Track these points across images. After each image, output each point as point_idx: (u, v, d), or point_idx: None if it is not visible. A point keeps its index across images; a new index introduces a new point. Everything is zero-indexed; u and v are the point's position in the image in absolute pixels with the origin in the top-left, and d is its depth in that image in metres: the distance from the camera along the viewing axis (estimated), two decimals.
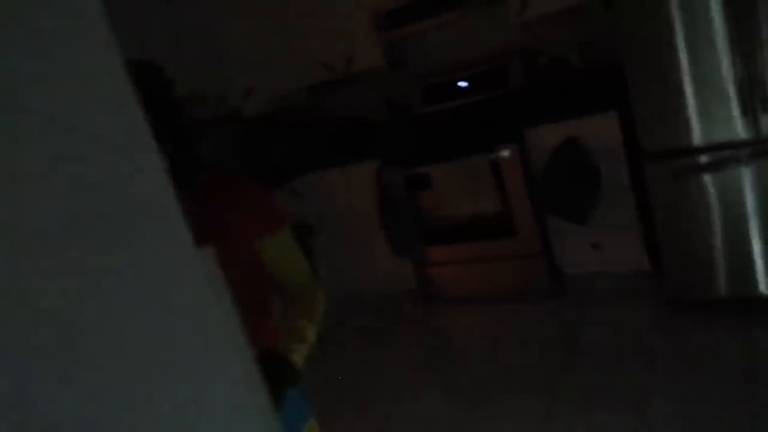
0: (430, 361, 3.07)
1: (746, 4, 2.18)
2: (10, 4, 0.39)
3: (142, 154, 0.49)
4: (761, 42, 2.20)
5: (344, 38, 3.50)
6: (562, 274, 3.21)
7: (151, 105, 1.14)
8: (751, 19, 2.19)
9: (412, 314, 3.56)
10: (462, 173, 3.23)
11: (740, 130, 2.33)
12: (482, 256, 3.36)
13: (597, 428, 2.19)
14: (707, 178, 2.45)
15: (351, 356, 3.28)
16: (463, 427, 2.44)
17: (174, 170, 1.21)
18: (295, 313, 1.27)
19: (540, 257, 3.18)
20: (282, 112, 4.11)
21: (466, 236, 3.37)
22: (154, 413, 0.47)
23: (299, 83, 3.79)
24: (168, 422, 0.48)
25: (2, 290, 0.37)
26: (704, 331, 2.53)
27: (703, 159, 2.43)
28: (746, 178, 2.38)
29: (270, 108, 3.96)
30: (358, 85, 3.89)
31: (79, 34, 0.45)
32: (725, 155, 2.38)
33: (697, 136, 2.41)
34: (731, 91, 2.29)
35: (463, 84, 3.54)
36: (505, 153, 3.03)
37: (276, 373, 1.08)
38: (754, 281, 2.49)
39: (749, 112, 2.29)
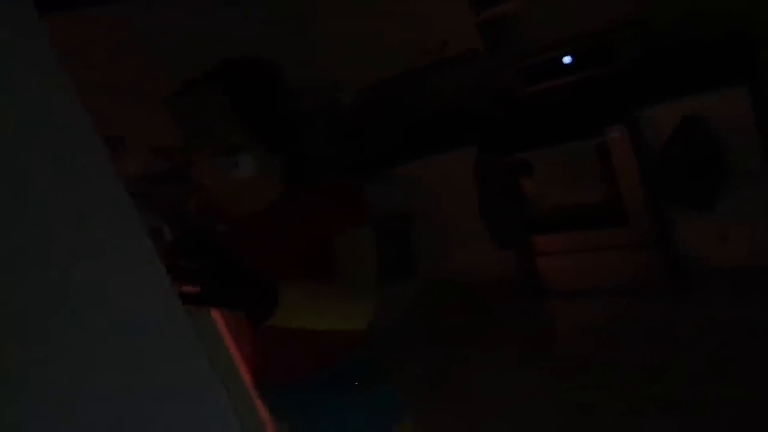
0: (530, 355, 2.93)
1: None
2: None
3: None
4: None
5: (439, 20, 3.37)
6: (681, 267, 2.93)
7: (266, 101, 1.17)
8: None
9: (512, 306, 3.42)
10: (567, 158, 3.03)
11: None
12: (589, 246, 3.15)
13: None
14: None
15: (447, 346, 3.21)
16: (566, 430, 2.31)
17: (286, 165, 1.24)
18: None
19: (655, 248, 2.92)
20: (377, 100, 4.07)
21: (571, 225, 3.17)
22: None
23: (394, 69, 3.72)
24: None
25: None
26: None
27: None
28: None
29: (366, 96, 3.93)
30: (454, 69, 3.75)
31: None
32: None
33: None
34: None
35: (567, 61, 3.30)
36: (615, 135, 2.79)
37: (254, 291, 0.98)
38: None
39: None
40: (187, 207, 1.32)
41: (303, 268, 1.14)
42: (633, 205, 2.89)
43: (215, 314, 1.29)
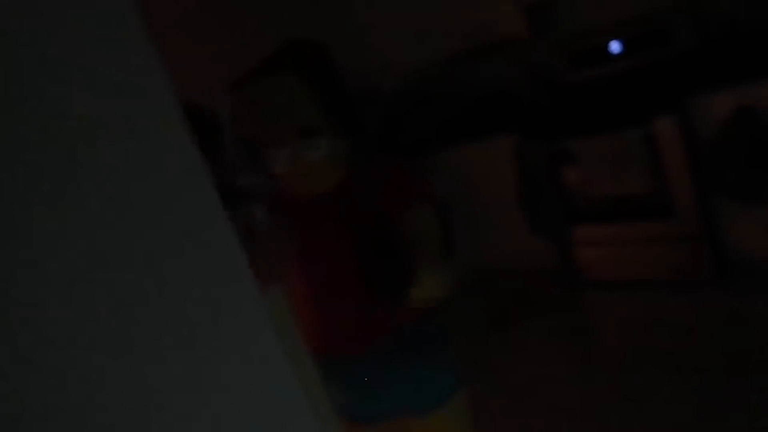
0: (568, 346, 2.90)
1: None
2: None
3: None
4: None
5: (484, 3, 3.32)
6: (727, 260, 2.85)
7: (334, 82, 1.20)
8: None
9: (551, 295, 3.38)
10: (612, 148, 2.96)
11: None
12: (633, 237, 3.08)
13: None
14: None
15: (484, 332, 3.20)
16: (605, 424, 2.28)
17: (351, 147, 1.26)
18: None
19: (701, 240, 2.84)
20: (419, 85, 4.04)
21: (615, 216, 3.11)
22: None
23: (437, 55, 3.68)
24: None
25: None
26: None
27: None
28: None
29: (407, 82, 3.91)
30: (498, 54, 3.70)
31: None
32: None
33: None
34: None
35: (616, 47, 3.22)
36: (664, 125, 2.71)
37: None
38: None
39: None
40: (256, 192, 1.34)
41: (371, 245, 1.17)
42: (681, 197, 2.81)
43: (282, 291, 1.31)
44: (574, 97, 3.39)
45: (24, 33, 0.29)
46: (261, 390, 0.54)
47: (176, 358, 0.47)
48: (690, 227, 2.85)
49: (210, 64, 2.32)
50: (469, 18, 3.39)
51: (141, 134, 0.39)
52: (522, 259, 3.54)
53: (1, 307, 0.38)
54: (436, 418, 1.33)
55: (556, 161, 3.12)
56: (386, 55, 3.66)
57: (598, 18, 3.31)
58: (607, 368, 2.59)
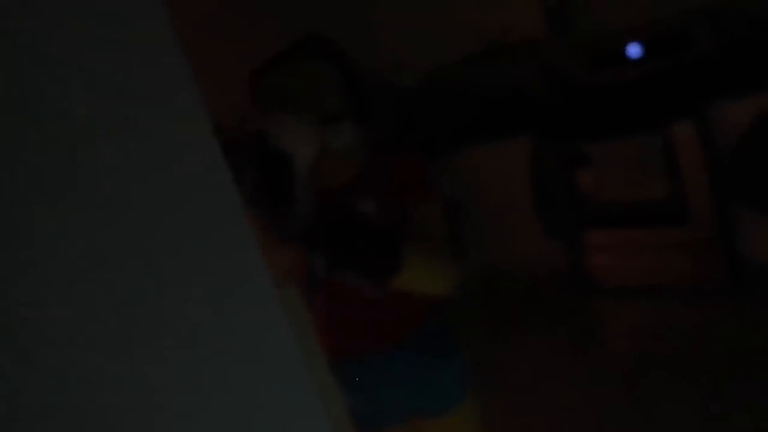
0: (577, 350, 2.88)
1: None
2: None
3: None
4: None
5: (502, 5, 3.30)
6: (743, 267, 2.81)
7: (355, 73, 1.20)
8: None
9: (560, 299, 3.36)
10: (628, 152, 2.93)
11: None
12: (648, 243, 3.05)
13: None
14: None
15: (492, 333, 3.18)
16: (612, 426, 2.26)
17: (369, 138, 1.26)
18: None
19: (717, 248, 2.80)
20: (435, 84, 4.02)
21: (629, 221, 3.08)
22: None
23: (453, 54, 3.67)
24: None
25: None
26: None
27: None
28: None
29: (423, 81, 3.89)
30: (515, 55, 3.67)
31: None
32: None
33: None
34: None
35: (635, 50, 3.18)
36: (683, 131, 2.68)
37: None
38: None
39: None
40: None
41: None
42: (698, 203, 2.78)
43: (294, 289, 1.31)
44: (591, 100, 3.36)
45: (24, 33, 0.29)
46: (274, 390, 0.53)
47: (186, 358, 0.47)
48: (707, 235, 2.81)
49: (220, 62, 2.33)
50: (488, 18, 3.37)
51: (142, 134, 0.39)
52: (534, 262, 3.51)
53: (1, 307, 0.38)
54: (449, 420, 1.33)
55: (572, 164, 3.10)
56: (403, 53, 3.65)
57: (617, 21, 3.27)
58: (615, 372, 2.57)
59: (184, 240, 0.46)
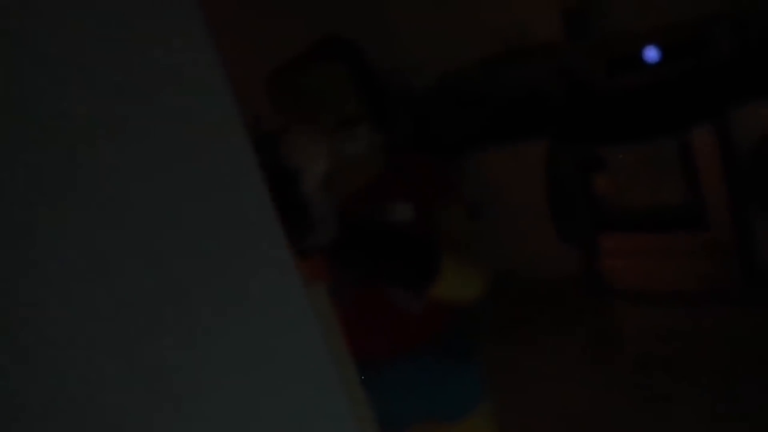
0: (590, 355, 2.85)
1: None
2: None
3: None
4: None
5: (521, 8, 3.28)
6: (760, 273, 2.76)
7: (373, 75, 1.19)
8: None
9: (575, 304, 3.32)
10: (646, 156, 2.89)
11: None
12: (664, 248, 3.01)
13: None
14: None
15: (506, 337, 3.16)
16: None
17: (387, 141, 1.25)
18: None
19: (734, 254, 2.76)
20: (453, 86, 4.01)
21: (645, 226, 3.04)
22: None
23: (471, 56, 3.65)
24: None
25: None
26: None
27: None
28: None
29: (441, 82, 3.88)
30: (533, 58, 3.65)
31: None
32: None
33: None
34: None
35: (652, 54, 3.14)
36: (701, 135, 2.64)
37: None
38: None
39: None
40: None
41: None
42: (715, 209, 2.73)
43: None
44: (608, 103, 3.33)
45: (24, 33, 0.29)
46: (303, 390, 0.52)
47: (189, 358, 0.47)
48: (724, 241, 2.77)
49: (236, 61, 2.33)
50: (506, 21, 3.35)
51: (143, 133, 0.39)
52: (548, 265, 3.49)
53: (1, 307, 0.38)
54: (464, 426, 1.32)
55: (588, 168, 3.07)
56: (421, 55, 3.65)
57: (636, 24, 3.24)
58: (630, 375, 2.55)
59: (188, 240, 0.46)
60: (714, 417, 2.15)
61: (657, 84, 3.12)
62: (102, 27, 0.35)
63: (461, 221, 1.20)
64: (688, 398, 2.28)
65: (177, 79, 0.42)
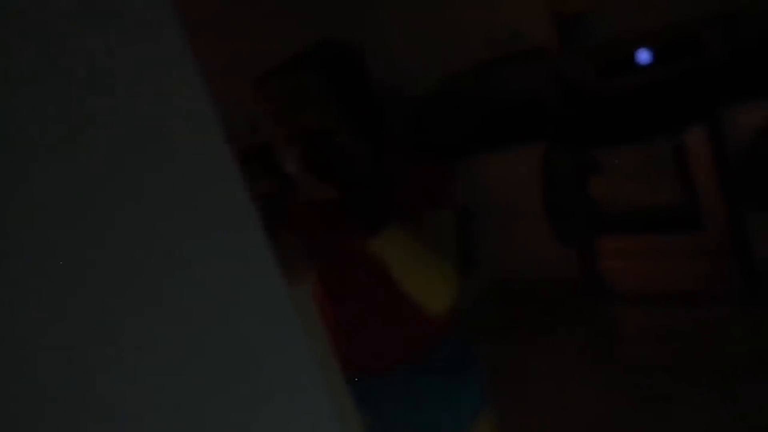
0: (590, 355, 2.86)
1: None
2: None
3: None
4: None
5: (512, 10, 3.29)
6: (756, 273, 2.77)
7: (360, 83, 1.18)
8: None
9: (573, 306, 3.33)
10: (640, 158, 2.90)
11: None
12: (660, 249, 3.02)
13: None
14: None
15: (506, 341, 3.16)
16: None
17: (372, 149, 1.24)
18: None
19: (730, 255, 2.77)
20: (448, 91, 4.02)
21: (641, 227, 3.05)
22: None
23: (465, 61, 3.66)
24: None
25: None
26: None
27: None
28: None
29: (436, 87, 3.89)
30: (527, 62, 3.66)
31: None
32: None
33: None
34: None
35: (645, 56, 3.16)
36: (694, 136, 2.65)
37: None
38: None
39: None
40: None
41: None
42: (710, 209, 2.75)
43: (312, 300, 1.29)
44: (603, 106, 3.35)
45: (24, 33, 0.29)
46: (287, 395, 0.52)
47: (186, 358, 0.47)
48: (720, 241, 2.78)
49: (233, 66, 2.34)
50: (499, 25, 3.36)
51: (143, 134, 0.39)
52: (546, 268, 3.49)
53: (1, 307, 0.38)
54: None
55: (584, 171, 3.08)
56: (417, 60, 3.66)
57: (628, 28, 3.26)
58: (628, 376, 2.55)
59: (185, 241, 0.46)
60: (714, 417, 2.15)
61: (650, 86, 3.15)
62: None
63: (449, 226, 1.18)
64: (688, 398, 2.28)
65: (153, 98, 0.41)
